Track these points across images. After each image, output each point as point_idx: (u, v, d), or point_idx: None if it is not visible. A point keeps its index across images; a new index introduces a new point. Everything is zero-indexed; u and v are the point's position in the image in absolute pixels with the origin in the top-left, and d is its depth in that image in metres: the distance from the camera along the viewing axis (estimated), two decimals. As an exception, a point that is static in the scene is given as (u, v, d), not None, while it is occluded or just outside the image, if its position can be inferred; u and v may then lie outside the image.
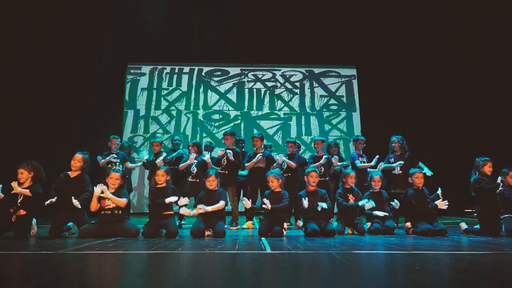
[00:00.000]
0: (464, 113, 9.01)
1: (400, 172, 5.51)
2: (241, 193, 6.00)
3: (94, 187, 4.11)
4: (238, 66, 10.79)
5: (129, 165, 6.00)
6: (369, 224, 4.65)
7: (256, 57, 10.53)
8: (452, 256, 2.84)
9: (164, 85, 10.59)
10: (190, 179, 5.43)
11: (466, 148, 7.88)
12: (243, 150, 6.06)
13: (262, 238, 3.90)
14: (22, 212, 4.09)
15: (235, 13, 9.46)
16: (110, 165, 5.83)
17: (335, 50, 10.05)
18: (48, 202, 4.14)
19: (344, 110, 10.54)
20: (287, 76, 10.80)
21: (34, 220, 4.29)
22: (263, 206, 4.18)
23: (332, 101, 10.61)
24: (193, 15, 9.53)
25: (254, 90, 10.65)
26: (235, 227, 5.26)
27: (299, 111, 10.50)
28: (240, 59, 10.63)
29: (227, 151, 5.41)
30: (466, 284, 1.89)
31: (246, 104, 10.51)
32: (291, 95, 10.62)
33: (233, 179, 5.52)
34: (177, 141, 6.17)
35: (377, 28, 9.39)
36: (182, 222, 5.61)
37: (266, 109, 10.48)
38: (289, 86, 10.72)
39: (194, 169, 5.43)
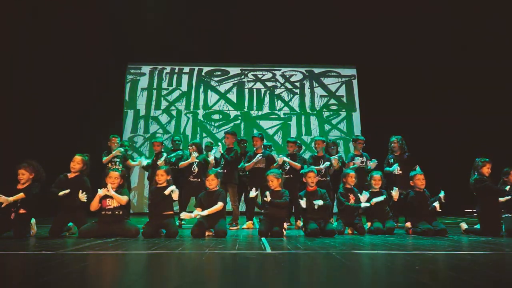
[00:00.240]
0: (464, 113, 9.01)
1: (400, 172, 5.50)
2: (243, 194, 5.99)
3: (99, 189, 4.11)
4: (238, 66, 10.79)
5: (131, 163, 6.01)
6: (369, 224, 4.65)
7: (256, 57, 10.53)
8: (452, 256, 2.84)
9: (164, 85, 10.60)
10: (191, 179, 5.43)
11: (466, 148, 7.88)
12: (246, 150, 6.07)
13: (262, 238, 3.90)
14: (22, 211, 4.09)
15: (235, 13, 9.46)
16: (110, 164, 5.83)
17: (335, 50, 10.06)
18: (62, 193, 4.14)
19: (344, 110, 10.54)
20: (287, 76, 10.80)
21: (33, 220, 4.29)
22: (264, 199, 4.19)
23: (332, 101, 10.62)
24: (193, 15, 9.53)
25: (254, 90, 10.66)
26: (235, 227, 5.26)
27: (299, 111, 10.50)
28: (240, 59, 10.63)
29: (215, 147, 5.46)
30: (466, 284, 1.89)
31: (246, 104, 10.51)
32: (291, 95, 10.63)
33: (233, 178, 5.52)
34: (177, 141, 6.17)
35: (377, 28, 9.39)
36: (182, 222, 5.60)
37: (266, 109, 10.48)
38: (289, 86, 10.72)
39: (195, 169, 5.44)
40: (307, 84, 10.75)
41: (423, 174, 4.66)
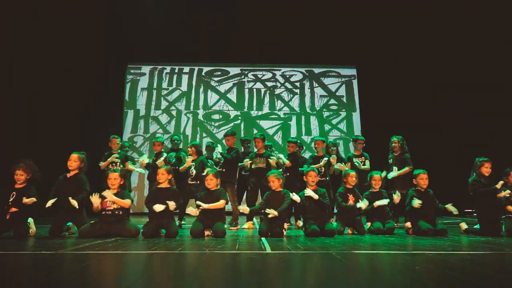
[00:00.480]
0: (464, 113, 9.02)
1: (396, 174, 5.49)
2: (244, 194, 5.99)
3: (104, 192, 4.12)
4: (238, 66, 10.79)
5: (130, 166, 5.99)
6: (369, 224, 4.65)
7: (256, 57, 10.54)
8: (452, 256, 2.84)
9: (164, 85, 10.60)
10: (189, 181, 5.42)
11: (466, 148, 7.88)
12: (249, 150, 6.07)
13: (262, 238, 3.90)
14: (14, 209, 4.08)
15: (235, 13, 9.46)
16: (110, 166, 5.82)
17: (335, 50, 10.06)
18: (49, 203, 4.13)
19: (344, 110, 10.54)
20: (287, 76, 10.80)
21: (30, 220, 4.29)
22: (267, 212, 4.16)
23: (332, 101, 10.62)
24: (193, 15, 9.54)
25: (254, 90, 10.66)
26: (235, 227, 5.26)
27: (299, 111, 10.50)
28: (240, 59, 10.63)
29: (218, 146, 5.47)
30: (466, 284, 1.89)
31: (246, 104, 10.51)
32: (291, 95, 10.63)
33: (232, 177, 5.52)
34: (176, 141, 6.17)
35: (377, 28, 9.39)
36: (182, 222, 5.60)
37: (266, 109, 10.48)
38: (289, 86, 10.72)
39: (193, 171, 5.44)
40: (307, 84, 10.76)
41: (427, 173, 4.59)
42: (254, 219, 5.63)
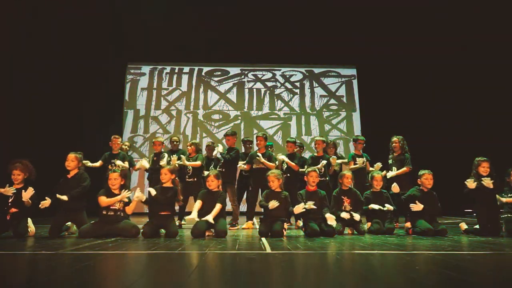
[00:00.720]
0: (464, 113, 9.02)
1: (393, 174, 5.48)
2: (244, 194, 5.99)
3: (136, 192, 4.13)
4: (238, 66, 10.79)
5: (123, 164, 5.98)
6: (369, 224, 4.64)
7: (256, 57, 10.53)
8: (452, 256, 2.84)
9: (164, 85, 10.60)
10: (187, 179, 5.44)
11: (466, 148, 7.87)
12: (251, 151, 6.06)
13: (262, 238, 3.90)
14: (14, 209, 4.09)
15: (235, 13, 9.46)
16: (110, 166, 5.82)
17: (335, 50, 10.06)
18: (42, 205, 4.12)
19: (344, 110, 10.55)
20: (287, 76, 10.81)
21: (29, 220, 4.29)
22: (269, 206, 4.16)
23: (332, 101, 10.62)
24: (193, 15, 9.53)
25: (254, 90, 10.66)
26: (235, 227, 5.26)
27: (299, 111, 10.50)
28: (240, 59, 10.63)
29: (218, 146, 5.48)
30: (466, 284, 1.89)
31: (246, 104, 10.51)
32: (291, 95, 10.63)
33: (232, 178, 5.52)
34: (175, 142, 6.17)
35: (377, 28, 9.39)
36: (182, 222, 5.60)
37: (266, 109, 10.48)
38: (289, 86, 10.72)
39: (190, 169, 5.46)
40: (307, 84, 10.76)
41: (432, 174, 4.56)
42: (254, 219, 5.63)
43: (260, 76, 10.78)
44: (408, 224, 4.65)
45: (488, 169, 4.37)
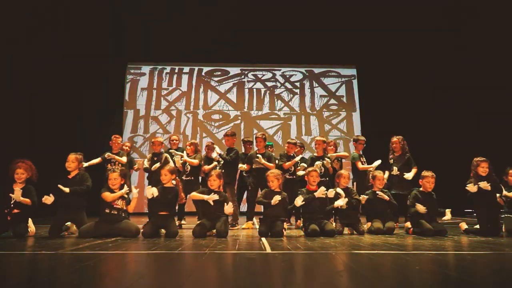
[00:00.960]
0: (464, 113, 9.01)
1: (398, 173, 5.49)
2: (245, 194, 5.99)
3: (133, 189, 4.17)
4: (238, 66, 10.79)
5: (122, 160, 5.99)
6: (369, 224, 4.64)
7: (256, 57, 10.53)
8: (452, 256, 2.84)
9: (164, 85, 10.60)
10: (184, 178, 5.44)
11: (466, 148, 7.87)
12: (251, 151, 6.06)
13: (262, 238, 3.90)
14: (16, 210, 4.09)
15: (235, 13, 9.46)
16: (109, 165, 5.82)
17: (335, 50, 10.05)
18: (46, 200, 4.13)
19: (344, 110, 10.54)
20: (287, 76, 10.81)
21: (29, 220, 4.29)
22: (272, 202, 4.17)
23: (332, 101, 10.62)
24: (193, 15, 9.53)
25: (254, 90, 10.66)
26: (235, 227, 5.26)
27: (299, 111, 10.50)
28: (240, 59, 10.63)
29: (215, 147, 5.48)
30: (466, 284, 1.89)
31: (246, 104, 10.51)
32: (291, 95, 10.63)
33: (231, 178, 5.52)
34: (175, 141, 6.17)
35: (377, 28, 9.39)
36: (182, 222, 5.60)
37: (266, 109, 10.48)
38: (289, 86, 10.72)
39: (187, 168, 5.47)
40: (307, 84, 10.76)
41: (434, 176, 4.54)
42: (254, 219, 5.63)
43: (260, 76, 10.78)
44: (408, 224, 4.65)
45: (487, 169, 4.36)
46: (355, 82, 10.74)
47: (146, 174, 6.18)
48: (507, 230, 4.23)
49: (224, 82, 10.68)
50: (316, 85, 10.75)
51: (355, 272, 2.24)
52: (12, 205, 4.10)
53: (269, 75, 10.78)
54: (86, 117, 9.32)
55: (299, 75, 10.82)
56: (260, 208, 4.48)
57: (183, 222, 5.68)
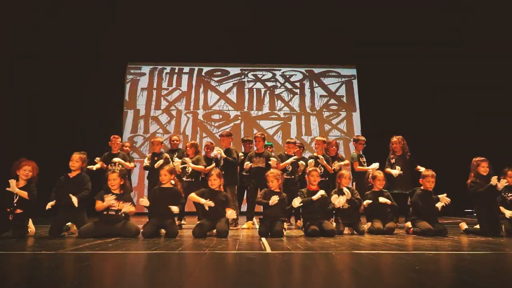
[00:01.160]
0: (464, 113, 9.01)
1: (401, 172, 5.49)
2: (244, 194, 5.99)
3: (106, 196, 4.12)
4: (238, 66, 10.79)
5: (127, 164, 5.98)
6: (369, 224, 4.64)
7: (256, 57, 10.53)
8: (452, 256, 2.84)
9: (164, 85, 10.60)
10: (185, 179, 5.44)
11: (466, 148, 7.87)
12: (250, 150, 6.06)
13: (262, 238, 3.90)
14: (19, 211, 4.09)
15: (235, 13, 9.46)
16: (109, 166, 5.82)
17: (335, 50, 10.05)
18: (48, 206, 4.15)
19: (344, 110, 10.54)
20: (287, 76, 10.81)
21: (29, 220, 4.28)
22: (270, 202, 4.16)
23: (332, 101, 10.62)
24: (193, 15, 9.53)
25: (254, 90, 10.66)
26: (235, 227, 5.26)
27: (299, 111, 10.50)
28: (240, 59, 10.63)
29: (216, 148, 5.46)
30: (466, 284, 1.89)
31: (246, 104, 10.51)
32: (291, 95, 10.63)
33: (232, 179, 5.52)
34: (175, 141, 6.17)
35: (377, 28, 9.39)
36: (182, 222, 5.60)
37: (266, 109, 10.48)
38: (289, 86, 10.72)
39: (188, 169, 5.46)
40: (307, 84, 10.76)
41: (435, 176, 4.54)
42: (254, 219, 5.63)
43: (260, 76, 10.78)
44: (408, 224, 4.65)
45: (487, 169, 4.37)
46: (355, 82, 10.74)
47: (146, 174, 6.18)
48: (507, 230, 4.23)
49: (224, 82, 10.68)
50: (316, 85, 10.75)
51: (355, 272, 2.24)
52: (15, 204, 4.10)
53: (269, 75, 10.78)
54: (86, 117, 9.32)
55: (299, 75, 10.82)
56: (260, 208, 4.47)
57: (183, 222, 5.67)
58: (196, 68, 10.77)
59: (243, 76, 10.76)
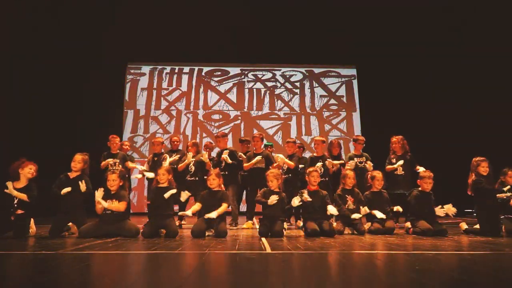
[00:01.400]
0: (464, 112, 9.01)
1: (402, 172, 5.49)
2: (244, 194, 5.99)
3: (96, 191, 4.11)
4: (238, 66, 10.79)
5: (130, 164, 5.99)
6: (369, 224, 4.64)
7: (256, 57, 10.53)
8: (452, 256, 2.84)
9: (164, 85, 10.60)
10: (188, 178, 5.44)
11: (466, 148, 7.87)
12: (248, 150, 6.06)
13: (262, 238, 3.90)
14: (20, 211, 4.09)
15: (235, 12, 9.46)
16: (109, 166, 5.82)
17: (335, 50, 10.05)
18: (65, 191, 4.16)
19: (344, 110, 10.54)
20: (287, 76, 10.80)
21: (31, 220, 4.29)
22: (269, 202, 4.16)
23: (332, 101, 10.62)
24: (193, 15, 9.53)
25: (254, 90, 10.66)
26: (235, 227, 5.26)
27: (299, 111, 10.50)
28: (240, 59, 10.63)
29: (224, 150, 5.45)
30: (466, 284, 1.89)
31: (246, 104, 10.51)
32: (291, 95, 10.63)
33: (234, 179, 5.52)
34: (175, 142, 6.17)
35: (377, 28, 9.39)
36: (182, 222, 5.60)
37: (266, 109, 10.48)
38: (289, 86, 10.72)
39: (192, 168, 5.47)
40: (307, 84, 10.76)
41: (432, 177, 4.54)
42: (254, 219, 5.63)
43: (260, 76, 10.78)
44: (408, 224, 4.64)
45: (487, 169, 4.38)
46: (355, 82, 10.74)
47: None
48: (507, 230, 4.22)
49: (224, 82, 10.68)
50: (316, 85, 10.75)
51: (355, 272, 2.24)
52: (16, 205, 4.10)
53: (269, 75, 10.78)
54: (86, 117, 9.32)
55: (299, 75, 10.82)
56: (260, 208, 4.47)
57: (183, 222, 5.68)
58: (196, 68, 10.77)
59: (243, 76, 10.76)
